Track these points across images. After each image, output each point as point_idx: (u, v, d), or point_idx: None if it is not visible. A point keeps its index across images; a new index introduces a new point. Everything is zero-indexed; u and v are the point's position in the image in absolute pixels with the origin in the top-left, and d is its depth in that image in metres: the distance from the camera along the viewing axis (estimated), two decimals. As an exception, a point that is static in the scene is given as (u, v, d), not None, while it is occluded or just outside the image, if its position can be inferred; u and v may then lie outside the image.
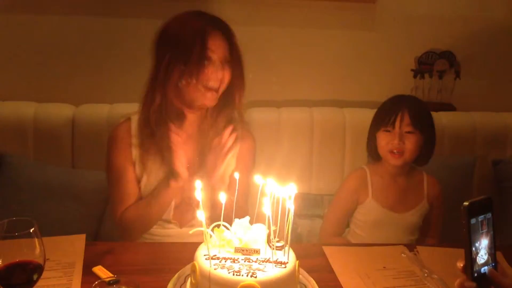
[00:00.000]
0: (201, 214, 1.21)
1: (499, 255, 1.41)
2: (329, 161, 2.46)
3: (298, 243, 2.23)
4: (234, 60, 1.74)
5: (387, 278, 1.46)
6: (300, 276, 1.37)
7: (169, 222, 1.79)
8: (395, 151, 1.90)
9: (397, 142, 1.89)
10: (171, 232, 1.79)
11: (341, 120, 2.47)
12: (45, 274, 1.34)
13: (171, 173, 1.70)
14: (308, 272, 1.39)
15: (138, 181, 1.78)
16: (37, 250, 1.10)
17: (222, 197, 1.30)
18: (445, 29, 2.68)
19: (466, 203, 1.04)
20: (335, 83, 2.67)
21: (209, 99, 1.71)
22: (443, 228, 2.05)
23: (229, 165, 1.75)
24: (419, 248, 1.63)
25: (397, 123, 1.90)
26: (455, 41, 2.68)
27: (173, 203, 1.76)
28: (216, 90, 1.71)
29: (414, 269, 1.51)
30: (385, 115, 1.95)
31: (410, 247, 1.64)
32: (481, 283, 1.07)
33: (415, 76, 2.69)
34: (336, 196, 2.08)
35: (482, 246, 1.07)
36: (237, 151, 1.82)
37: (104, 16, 2.50)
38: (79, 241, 1.56)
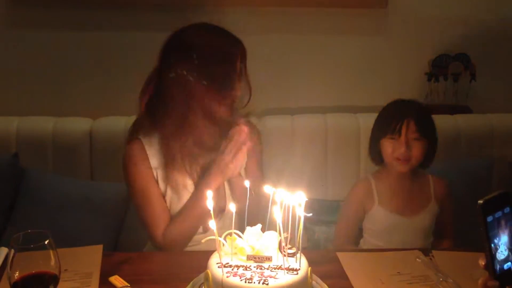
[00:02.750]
0: (212, 224, 1.23)
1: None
2: (345, 166, 2.46)
3: (312, 249, 2.25)
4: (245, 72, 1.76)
5: (401, 283, 1.45)
6: (314, 282, 1.37)
7: (207, 229, 1.76)
8: (401, 158, 1.88)
9: (404, 150, 1.86)
10: (196, 237, 1.78)
11: (355, 126, 2.47)
12: (63, 284, 1.38)
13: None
14: (322, 278, 1.39)
15: (164, 195, 1.76)
16: (52, 262, 1.12)
17: (232, 207, 1.31)
18: (458, 31, 2.67)
19: (480, 201, 1.03)
20: (349, 89, 2.68)
21: (224, 112, 1.71)
22: (462, 233, 2.02)
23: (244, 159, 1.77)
24: (434, 252, 1.62)
25: (403, 131, 1.86)
26: (469, 43, 2.67)
27: None
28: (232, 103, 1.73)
29: (429, 273, 1.50)
30: (389, 122, 1.91)
31: (425, 251, 1.63)
32: (505, 280, 1.06)
33: (429, 80, 2.68)
34: (343, 208, 2.08)
35: (502, 243, 1.05)
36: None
37: (120, 30, 2.55)
38: (96, 251, 1.58)
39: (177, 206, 1.75)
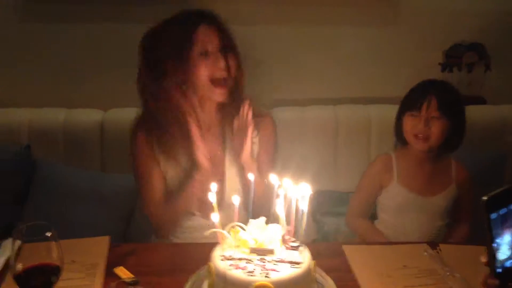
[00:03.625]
0: (215, 216, 1.23)
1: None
2: (355, 158, 2.44)
3: (321, 241, 2.24)
4: (232, 47, 1.75)
5: (407, 277, 1.44)
6: (318, 275, 1.37)
7: (192, 214, 1.82)
8: (420, 135, 1.88)
9: (422, 126, 1.86)
10: (195, 224, 1.82)
11: (366, 117, 2.45)
12: (68, 275, 1.41)
13: (194, 165, 1.73)
14: (327, 271, 1.39)
15: (164, 175, 1.83)
16: (55, 253, 1.14)
17: (235, 199, 1.31)
18: (473, 20, 2.60)
19: (484, 198, 1.01)
20: (360, 80, 2.64)
21: (219, 94, 1.73)
22: (472, 227, 1.99)
23: (254, 143, 1.79)
24: (442, 246, 1.60)
25: (424, 107, 1.87)
26: (485, 33, 2.61)
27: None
28: (225, 83, 1.72)
29: (435, 267, 1.48)
30: (413, 99, 1.93)
31: (433, 245, 1.61)
32: (507, 278, 1.04)
33: (443, 70, 2.63)
34: (360, 180, 2.07)
35: (505, 242, 1.03)
36: (258, 132, 1.86)
37: (133, 23, 2.54)
38: (103, 243, 1.60)
39: (175, 182, 1.82)
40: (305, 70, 2.62)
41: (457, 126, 1.92)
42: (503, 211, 1.01)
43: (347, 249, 1.58)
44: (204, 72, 1.70)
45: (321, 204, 2.42)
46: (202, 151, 1.70)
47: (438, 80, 1.99)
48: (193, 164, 1.74)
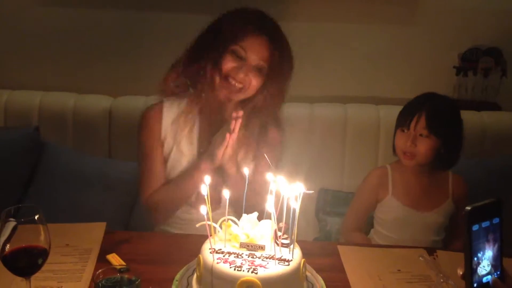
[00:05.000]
0: (203, 209, 1.23)
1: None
2: (362, 158, 2.42)
3: (315, 241, 2.23)
4: (274, 70, 1.74)
5: (399, 281, 1.42)
6: (309, 274, 1.36)
7: (191, 206, 1.82)
8: (406, 152, 1.85)
9: (410, 144, 1.83)
10: (193, 217, 1.81)
11: (376, 118, 2.42)
12: (61, 259, 1.43)
13: (206, 155, 1.73)
14: (319, 270, 1.38)
15: (165, 162, 1.84)
16: (42, 236, 1.14)
17: (226, 193, 1.30)
18: (491, 24, 2.56)
19: (468, 208, 0.99)
20: (372, 79, 2.61)
21: (233, 93, 1.74)
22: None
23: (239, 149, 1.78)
24: (439, 252, 1.58)
25: (413, 125, 1.83)
26: (502, 37, 2.56)
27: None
28: (237, 91, 1.73)
29: (430, 273, 1.46)
30: (404, 114, 1.89)
31: (430, 250, 1.59)
32: None
33: (457, 74, 2.58)
34: (356, 193, 2.05)
35: (486, 257, 1.00)
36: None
37: (143, 10, 2.56)
38: (99, 228, 1.61)
39: (175, 173, 1.82)
40: (316, 66, 2.59)
41: (450, 143, 1.86)
42: (485, 224, 0.98)
43: (342, 249, 1.57)
44: (225, 67, 1.72)
45: (325, 203, 2.40)
46: (229, 149, 1.68)
47: (436, 94, 1.92)
48: (205, 154, 1.74)
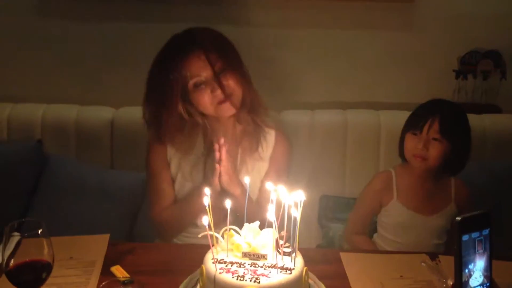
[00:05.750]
0: (205, 219, 1.24)
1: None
2: (363, 164, 2.42)
3: (317, 248, 2.24)
4: (230, 65, 1.73)
5: (401, 287, 1.42)
6: (311, 281, 1.36)
7: (196, 226, 1.81)
8: (417, 156, 1.86)
9: (421, 147, 1.84)
10: (200, 231, 1.79)
11: (376, 123, 2.43)
12: (65, 272, 1.44)
13: (205, 181, 1.74)
14: (322, 278, 1.38)
15: (173, 181, 1.85)
16: (46, 250, 1.15)
17: (228, 203, 1.31)
18: (490, 27, 2.57)
19: (458, 218, 1.00)
20: (372, 85, 2.62)
21: (226, 110, 1.74)
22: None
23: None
24: (441, 257, 1.58)
25: (425, 128, 1.85)
26: (501, 40, 2.57)
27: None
28: (229, 100, 1.72)
29: (432, 279, 1.46)
30: (417, 117, 1.91)
31: (433, 255, 1.59)
32: None
33: (457, 77, 2.59)
34: (360, 196, 2.06)
35: (477, 268, 1.01)
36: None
37: (144, 21, 2.58)
38: (102, 240, 1.61)
39: (184, 192, 1.84)
40: (316, 72, 2.61)
41: (459, 149, 1.88)
42: (475, 234, 0.99)
43: (345, 256, 1.57)
44: (203, 100, 1.72)
45: (327, 209, 2.40)
46: (217, 174, 1.69)
47: (446, 100, 1.95)
48: (206, 180, 1.75)
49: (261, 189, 1.82)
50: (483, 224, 1.01)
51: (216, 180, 1.68)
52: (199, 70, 1.69)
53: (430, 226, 1.93)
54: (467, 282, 0.99)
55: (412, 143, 1.88)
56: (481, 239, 1.00)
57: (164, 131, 1.78)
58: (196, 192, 1.75)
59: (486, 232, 1.01)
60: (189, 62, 1.69)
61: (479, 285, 1.01)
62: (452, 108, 1.93)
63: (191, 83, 1.70)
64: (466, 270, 0.99)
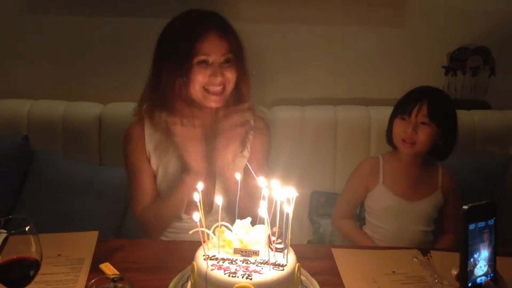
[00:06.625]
0: (196, 216, 1.22)
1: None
2: (354, 160, 2.38)
3: (309, 244, 2.24)
4: (237, 58, 1.72)
5: (394, 283, 1.42)
6: (303, 278, 1.35)
7: (180, 218, 1.81)
8: (406, 140, 1.88)
9: (410, 131, 1.87)
10: (184, 225, 1.80)
11: (366, 119, 2.43)
12: (54, 269, 1.42)
13: (184, 168, 1.72)
14: (314, 274, 1.37)
15: (155, 177, 1.82)
16: (33, 247, 1.13)
17: (218, 199, 1.30)
18: (479, 24, 2.57)
19: (465, 207, 1.00)
20: (361, 81, 2.62)
21: (214, 101, 1.72)
22: (458, 237, 1.98)
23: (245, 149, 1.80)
24: (433, 252, 1.58)
25: (414, 112, 1.88)
26: (490, 37, 2.57)
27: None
28: (221, 93, 1.71)
29: (424, 274, 1.46)
30: (405, 103, 1.94)
31: (424, 251, 1.59)
32: None
33: (446, 73, 2.60)
34: (348, 181, 2.09)
35: (482, 257, 1.01)
36: (249, 145, 1.84)
37: (133, 16, 2.54)
38: (91, 237, 1.59)
39: (166, 187, 1.80)
40: (306, 69, 2.60)
41: (447, 135, 1.92)
42: (481, 224, 1.00)
43: (336, 252, 1.57)
44: (200, 80, 1.69)
45: (318, 205, 2.40)
46: (189, 153, 1.69)
47: (433, 87, 2.00)
48: (183, 167, 1.73)
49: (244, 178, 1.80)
50: (489, 213, 1.01)
51: (198, 164, 1.68)
52: (210, 50, 1.67)
53: (416, 212, 1.96)
54: (472, 271, 0.99)
55: (400, 128, 1.91)
56: (487, 229, 1.00)
57: (175, 98, 1.73)
58: (177, 184, 1.73)
59: (491, 222, 1.01)
60: (204, 38, 1.67)
61: (483, 274, 1.02)
62: (439, 94, 1.99)
63: (196, 59, 1.67)
64: (471, 260, 0.99)
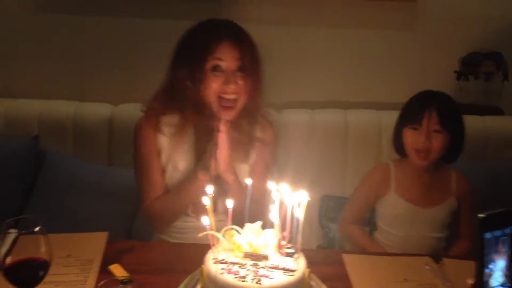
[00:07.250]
0: (206, 220, 1.21)
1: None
2: (364, 164, 2.38)
3: (319, 249, 2.22)
4: (252, 66, 1.71)
5: (405, 290, 1.40)
6: (314, 283, 1.34)
7: (187, 215, 1.80)
8: (421, 149, 1.84)
9: (424, 140, 1.83)
10: (189, 225, 1.81)
11: (377, 123, 2.41)
12: (63, 270, 1.41)
13: (202, 166, 1.71)
14: (324, 280, 1.36)
15: (163, 171, 1.81)
16: (43, 248, 1.13)
17: (229, 203, 1.29)
18: (492, 28, 2.55)
19: (481, 215, 0.98)
20: (372, 84, 2.61)
21: (227, 115, 1.70)
22: (473, 243, 1.95)
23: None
24: (446, 260, 1.56)
25: (425, 121, 1.84)
26: (503, 41, 2.55)
27: None
28: (234, 106, 1.70)
29: (436, 282, 1.44)
30: (412, 111, 1.90)
31: (437, 258, 1.57)
32: None
33: (458, 78, 2.57)
34: (357, 188, 2.06)
35: (498, 267, 0.99)
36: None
37: (143, 17, 2.55)
38: (100, 238, 1.59)
39: (174, 182, 1.81)
40: (316, 72, 2.59)
41: (457, 138, 1.89)
42: (497, 233, 0.97)
43: (347, 258, 1.55)
44: (214, 87, 1.68)
45: (328, 209, 2.38)
46: (221, 154, 1.67)
47: (436, 91, 1.95)
48: (200, 164, 1.72)
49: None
50: (506, 222, 0.98)
51: (213, 163, 1.67)
52: (223, 55, 1.67)
53: (428, 219, 1.93)
54: (487, 282, 0.96)
55: (412, 138, 1.87)
56: (504, 238, 0.97)
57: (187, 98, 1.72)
58: (187, 181, 1.73)
59: (508, 230, 0.98)
60: (218, 43, 1.67)
61: (500, 285, 0.99)
62: (444, 98, 1.93)
63: (210, 64, 1.67)
64: (487, 270, 0.96)
